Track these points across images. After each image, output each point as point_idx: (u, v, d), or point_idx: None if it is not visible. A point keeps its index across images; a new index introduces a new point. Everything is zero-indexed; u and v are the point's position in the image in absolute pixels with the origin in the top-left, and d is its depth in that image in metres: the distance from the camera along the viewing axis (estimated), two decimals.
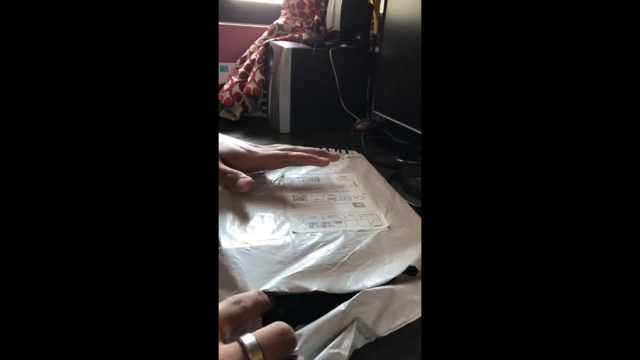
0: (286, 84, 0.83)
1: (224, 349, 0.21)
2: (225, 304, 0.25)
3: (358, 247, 0.36)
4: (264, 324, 0.25)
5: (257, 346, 0.22)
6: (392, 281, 0.32)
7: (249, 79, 0.91)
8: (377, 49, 0.80)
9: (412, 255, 0.35)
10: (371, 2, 0.93)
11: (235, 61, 0.99)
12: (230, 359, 0.21)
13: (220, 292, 0.30)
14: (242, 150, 0.48)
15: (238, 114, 0.93)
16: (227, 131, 0.85)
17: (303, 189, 0.49)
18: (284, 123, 0.86)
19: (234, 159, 0.46)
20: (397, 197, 0.48)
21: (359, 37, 0.91)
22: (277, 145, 0.53)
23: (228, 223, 0.39)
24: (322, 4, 0.97)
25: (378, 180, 0.54)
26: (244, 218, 0.41)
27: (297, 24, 0.99)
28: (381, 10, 0.75)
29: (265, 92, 0.92)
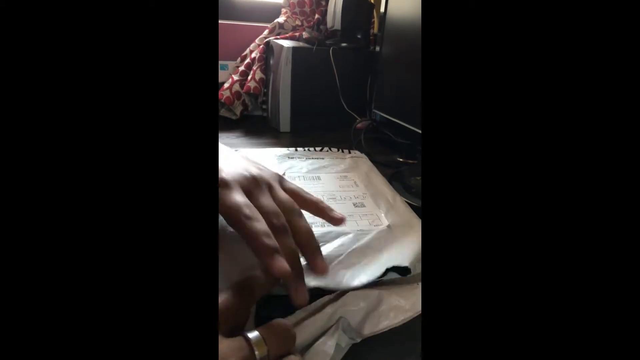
0: (286, 82, 0.83)
1: (228, 343, 0.21)
2: (226, 294, 0.24)
3: (356, 245, 0.36)
4: (257, 325, 0.25)
5: (262, 341, 0.22)
6: (382, 284, 0.32)
7: (249, 77, 0.91)
8: (377, 48, 0.80)
9: (408, 255, 0.35)
10: (372, 1, 0.93)
11: (235, 59, 0.99)
12: (236, 353, 0.21)
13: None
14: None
15: (238, 113, 0.93)
16: (227, 130, 0.85)
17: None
18: (284, 122, 0.86)
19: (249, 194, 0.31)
20: (398, 197, 0.48)
21: (359, 36, 0.91)
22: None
23: None
24: (323, 2, 0.97)
25: (379, 180, 0.54)
26: None
27: (298, 22, 0.98)
28: (382, 10, 0.75)
29: (265, 90, 0.92)
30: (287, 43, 0.83)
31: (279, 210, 0.30)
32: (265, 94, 0.92)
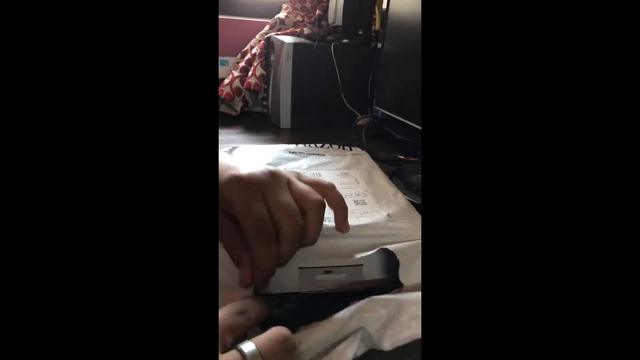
0: (287, 78, 0.82)
1: (223, 358, 0.20)
2: (228, 314, 0.24)
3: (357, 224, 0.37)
4: (261, 326, 0.25)
5: (258, 355, 0.21)
6: (402, 292, 0.32)
7: (249, 73, 0.91)
8: (379, 45, 0.80)
9: (404, 254, 0.34)
10: None
11: (236, 55, 0.99)
12: None
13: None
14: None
15: (238, 109, 0.93)
16: (227, 126, 0.85)
17: None
18: (285, 118, 0.85)
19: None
20: (400, 195, 0.48)
21: (360, 33, 0.90)
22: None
23: None
24: None
25: (381, 177, 0.53)
26: None
27: (299, 18, 0.98)
28: (384, 6, 0.75)
29: (266, 86, 0.91)
30: (288, 39, 0.83)
31: (297, 209, 0.29)
32: (266, 90, 0.92)
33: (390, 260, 0.34)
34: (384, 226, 0.38)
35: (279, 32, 0.92)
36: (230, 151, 0.60)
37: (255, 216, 0.27)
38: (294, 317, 0.27)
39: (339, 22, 0.87)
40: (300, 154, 0.61)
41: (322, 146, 0.66)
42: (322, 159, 0.59)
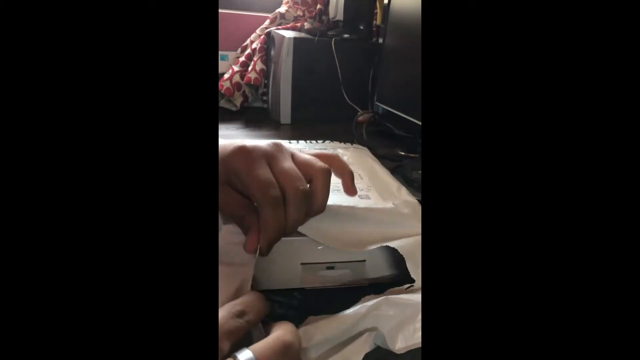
0: (287, 74, 0.82)
1: None
2: (226, 316, 0.22)
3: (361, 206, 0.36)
4: (263, 322, 0.24)
5: None
6: (417, 291, 0.31)
7: (249, 68, 0.90)
8: (380, 40, 0.79)
9: (410, 249, 0.34)
10: None
11: (236, 50, 0.98)
12: None
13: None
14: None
15: (238, 104, 0.92)
16: (227, 121, 0.85)
17: None
18: (285, 113, 0.85)
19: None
20: (403, 189, 0.47)
21: (362, 27, 0.90)
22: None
23: None
24: None
25: (384, 173, 0.53)
26: None
27: (300, 12, 0.97)
28: (385, 1, 0.74)
29: (266, 81, 0.91)
30: (288, 34, 0.82)
31: (300, 175, 0.29)
32: (266, 85, 0.91)
33: (396, 256, 0.34)
34: (389, 212, 0.37)
35: (279, 27, 0.91)
36: None
37: (262, 180, 0.27)
38: (297, 313, 0.27)
39: (340, 16, 0.86)
40: (301, 150, 0.61)
41: (322, 142, 0.66)
42: None
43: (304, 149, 0.54)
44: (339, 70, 0.86)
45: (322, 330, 0.26)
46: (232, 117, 0.89)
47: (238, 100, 0.92)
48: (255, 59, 0.90)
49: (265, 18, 0.96)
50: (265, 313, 0.25)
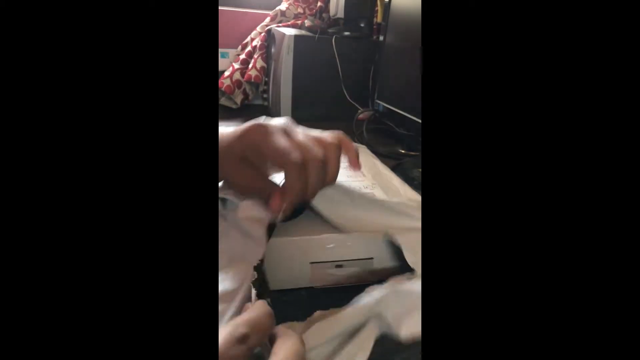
0: (288, 71, 0.82)
1: None
2: (228, 341, 0.19)
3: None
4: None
5: None
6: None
7: (250, 65, 0.90)
8: (381, 38, 0.79)
9: (408, 238, 0.34)
10: None
11: (236, 47, 0.98)
12: None
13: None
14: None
15: (238, 102, 0.92)
16: (227, 119, 0.84)
17: None
18: (285, 111, 0.85)
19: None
20: (407, 187, 0.47)
21: (362, 25, 0.90)
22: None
23: None
24: None
25: (386, 170, 0.53)
26: None
27: (300, 10, 0.97)
28: None
29: (266, 79, 0.91)
30: (289, 31, 0.82)
31: (316, 145, 0.31)
32: (266, 83, 0.91)
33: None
34: (397, 202, 0.38)
35: (279, 24, 0.91)
36: None
37: (283, 146, 0.29)
38: (306, 313, 0.27)
39: (341, 14, 0.86)
40: None
41: None
42: None
43: None
44: (339, 67, 0.86)
45: (330, 325, 0.26)
46: (233, 114, 0.89)
47: (238, 98, 0.92)
48: (255, 56, 0.90)
49: (265, 15, 0.96)
50: (270, 332, 0.23)
